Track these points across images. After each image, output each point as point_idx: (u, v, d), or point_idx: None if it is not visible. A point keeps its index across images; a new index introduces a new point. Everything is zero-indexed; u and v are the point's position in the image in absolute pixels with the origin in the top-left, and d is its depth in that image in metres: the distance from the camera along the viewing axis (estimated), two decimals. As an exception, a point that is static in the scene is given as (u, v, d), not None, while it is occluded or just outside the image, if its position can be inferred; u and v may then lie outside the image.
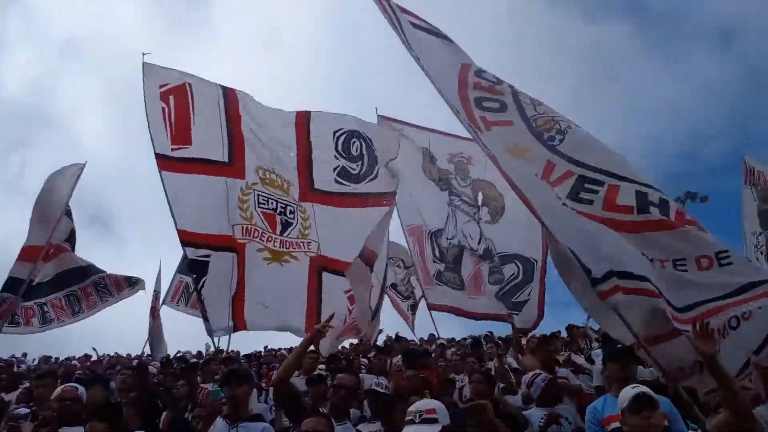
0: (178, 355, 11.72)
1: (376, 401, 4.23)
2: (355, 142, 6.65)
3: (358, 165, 6.60)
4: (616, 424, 3.05)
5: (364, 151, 6.63)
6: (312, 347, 7.24)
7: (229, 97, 6.35)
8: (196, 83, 6.25)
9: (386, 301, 8.53)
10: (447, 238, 7.70)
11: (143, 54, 6.08)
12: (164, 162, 5.79)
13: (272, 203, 6.17)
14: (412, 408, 3.23)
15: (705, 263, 3.62)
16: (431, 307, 7.43)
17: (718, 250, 3.64)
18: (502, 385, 5.74)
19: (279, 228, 6.14)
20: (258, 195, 6.15)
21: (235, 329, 5.82)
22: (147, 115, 5.86)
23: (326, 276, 6.09)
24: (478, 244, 7.75)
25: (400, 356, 8.12)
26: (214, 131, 6.17)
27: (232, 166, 6.15)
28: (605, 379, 4.28)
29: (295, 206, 6.25)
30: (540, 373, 4.65)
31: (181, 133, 5.98)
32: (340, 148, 6.56)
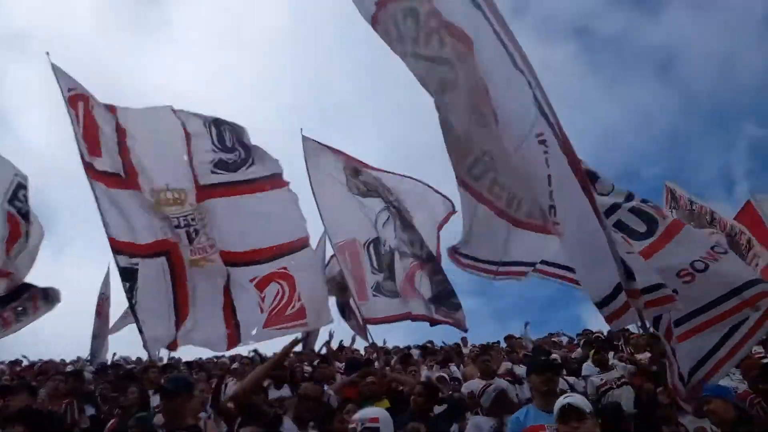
0: (115, 360, 11.34)
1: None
2: (225, 132, 6.26)
3: (234, 155, 6.28)
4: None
5: (236, 141, 6.28)
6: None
7: (118, 122, 5.92)
8: (93, 98, 5.83)
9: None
10: (382, 245, 7.59)
11: (47, 53, 5.60)
12: (90, 170, 5.46)
13: (174, 221, 5.88)
14: (356, 416, 3.27)
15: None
16: (367, 321, 7.34)
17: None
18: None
19: (186, 240, 5.88)
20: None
21: (168, 347, 5.64)
22: (71, 120, 5.48)
23: (232, 270, 5.87)
24: (421, 249, 7.48)
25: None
26: (113, 148, 5.83)
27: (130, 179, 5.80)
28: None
29: (194, 213, 5.98)
30: (491, 383, 4.85)
31: (92, 142, 5.62)
32: (215, 140, 6.25)
